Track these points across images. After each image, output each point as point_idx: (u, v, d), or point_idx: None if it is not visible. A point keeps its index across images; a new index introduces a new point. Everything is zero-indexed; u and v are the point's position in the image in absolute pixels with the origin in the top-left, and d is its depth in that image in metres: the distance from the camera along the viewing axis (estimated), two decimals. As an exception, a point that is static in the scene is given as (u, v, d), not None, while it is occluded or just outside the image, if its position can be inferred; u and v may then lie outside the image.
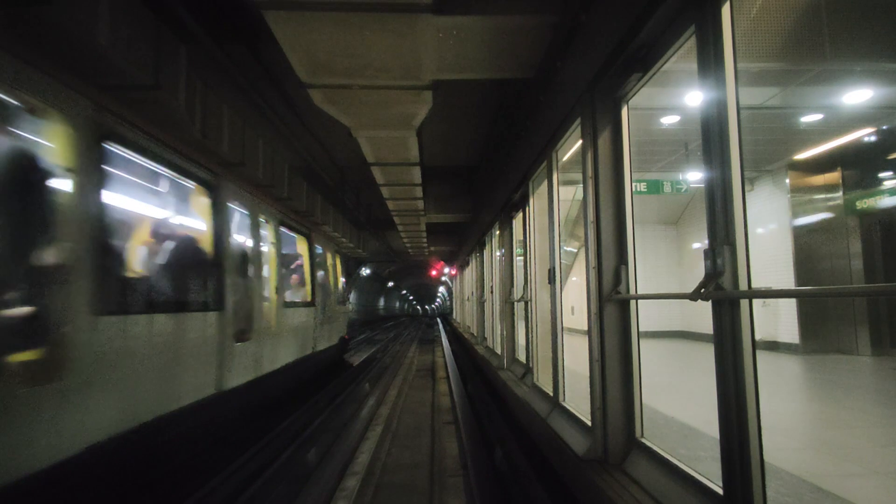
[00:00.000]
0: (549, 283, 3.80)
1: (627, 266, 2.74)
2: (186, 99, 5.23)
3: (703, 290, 1.82)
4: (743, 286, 1.75)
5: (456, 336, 19.90)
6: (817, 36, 4.44)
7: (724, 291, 1.76)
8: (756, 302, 1.79)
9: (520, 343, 6.38)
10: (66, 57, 3.74)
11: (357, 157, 7.19)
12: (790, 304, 7.92)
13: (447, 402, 9.24)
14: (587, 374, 2.90)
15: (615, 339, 2.75)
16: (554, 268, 3.73)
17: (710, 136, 1.87)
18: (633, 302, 2.70)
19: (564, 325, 4.64)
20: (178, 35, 4.75)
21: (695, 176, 8.55)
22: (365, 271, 27.21)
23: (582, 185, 3.06)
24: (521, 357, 6.03)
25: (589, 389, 2.88)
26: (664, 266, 10.73)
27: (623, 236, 2.78)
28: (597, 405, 2.80)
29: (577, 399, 3.59)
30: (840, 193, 8.04)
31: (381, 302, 49.12)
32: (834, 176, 8.20)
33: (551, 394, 3.79)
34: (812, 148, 7.57)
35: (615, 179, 2.86)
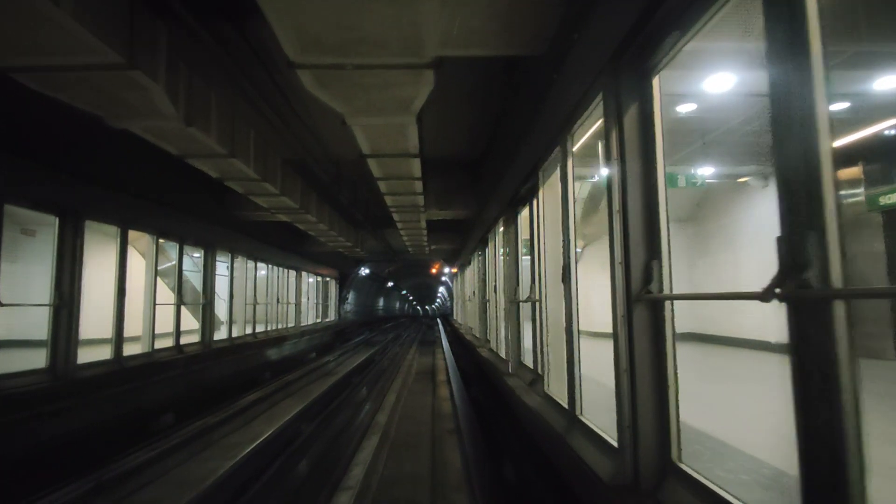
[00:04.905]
0: (564, 281, 3.40)
1: (660, 261, 2.34)
2: (167, 82, 4.85)
3: (778, 289, 1.42)
4: (836, 283, 1.36)
5: (457, 337, 19.51)
6: (851, 14, 4.04)
7: (810, 290, 1.36)
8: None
9: (526, 346, 5.99)
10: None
11: (353, 150, 6.79)
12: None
13: (448, 407, 8.85)
14: (601, 380, 2.51)
15: (646, 345, 2.36)
16: (569, 264, 3.34)
17: (787, 100, 1.49)
18: (667, 303, 2.30)
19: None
20: (154, 9, 4.36)
21: (707, 170, 8.14)
22: (364, 271, 26.85)
23: (604, 172, 2.67)
24: (528, 361, 5.63)
25: (615, 404, 2.49)
26: (676, 269, 10.21)
27: (655, 227, 2.39)
28: (625, 422, 2.41)
29: (595, 410, 3.20)
30: (861, 189, 7.63)
31: (381, 302, 48.70)
32: (855, 171, 7.80)
33: (566, 406, 3.39)
34: (835, 140, 7.15)
35: (645, 162, 2.47)
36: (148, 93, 4.80)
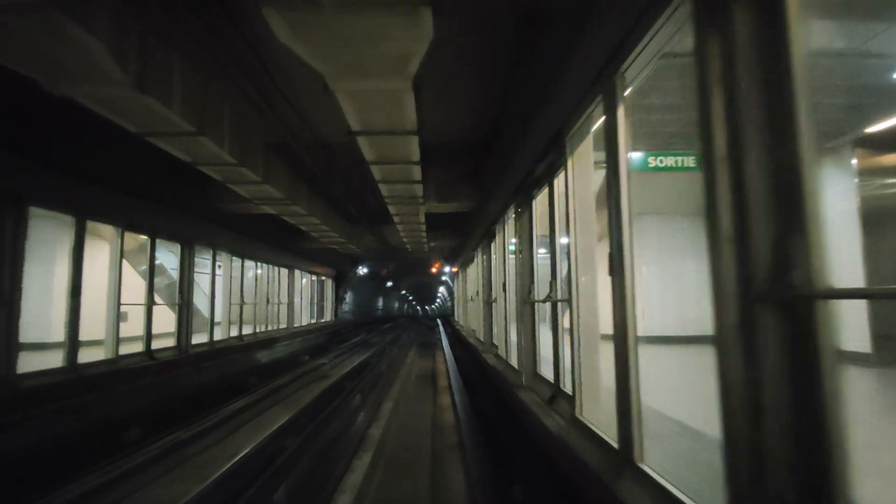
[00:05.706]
0: (612, 274, 2.51)
1: (806, 236, 1.44)
2: (111, 37, 3.96)
3: None
4: None
5: (458, 339, 18.63)
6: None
7: None
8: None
9: (542, 355, 5.10)
10: None
11: (341, 128, 5.89)
12: (860, 306, 6.60)
13: (450, 417, 8.00)
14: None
15: (781, 371, 1.47)
16: (621, 251, 2.44)
17: None
18: (819, 303, 1.41)
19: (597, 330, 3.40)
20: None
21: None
22: (362, 270, 25.97)
23: (699, 96, 1.79)
24: (546, 373, 4.74)
25: (722, 463, 1.59)
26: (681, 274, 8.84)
27: (793, 182, 1.49)
28: (743, 492, 1.52)
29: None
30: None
31: (380, 302, 47.77)
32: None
33: (615, 444, 2.49)
34: (888, 118, 6.25)
35: (768, 81, 1.58)
36: (86, 48, 3.91)
